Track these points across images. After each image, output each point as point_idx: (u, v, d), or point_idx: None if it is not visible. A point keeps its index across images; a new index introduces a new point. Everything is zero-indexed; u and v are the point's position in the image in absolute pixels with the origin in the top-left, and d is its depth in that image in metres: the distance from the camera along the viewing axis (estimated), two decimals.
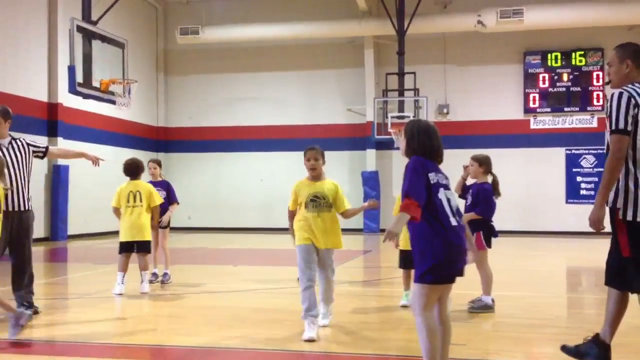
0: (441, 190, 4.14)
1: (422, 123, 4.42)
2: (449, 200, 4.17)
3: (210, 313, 7.30)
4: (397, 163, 22.24)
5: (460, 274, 4.18)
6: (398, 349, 5.71)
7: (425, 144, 4.26)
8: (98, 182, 17.83)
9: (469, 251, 4.33)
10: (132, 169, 8.62)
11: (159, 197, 8.77)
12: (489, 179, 7.29)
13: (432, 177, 4.13)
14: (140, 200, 8.41)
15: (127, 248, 8.45)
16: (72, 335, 6.25)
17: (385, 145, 21.53)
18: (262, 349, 5.62)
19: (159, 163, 9.91)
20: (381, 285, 9.89)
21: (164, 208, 9.25)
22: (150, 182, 9.28)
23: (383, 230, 21.27)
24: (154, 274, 9.39)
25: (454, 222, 4.12)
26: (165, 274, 9.41)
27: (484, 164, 7.29)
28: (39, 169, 18.05)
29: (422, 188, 4.05)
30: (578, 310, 8.14)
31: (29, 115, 17.57)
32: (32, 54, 17.97)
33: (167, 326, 6.65)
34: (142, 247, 8.49)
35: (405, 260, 7.21)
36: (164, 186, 9.63)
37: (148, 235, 8.53)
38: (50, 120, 18.50)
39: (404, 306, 7.45)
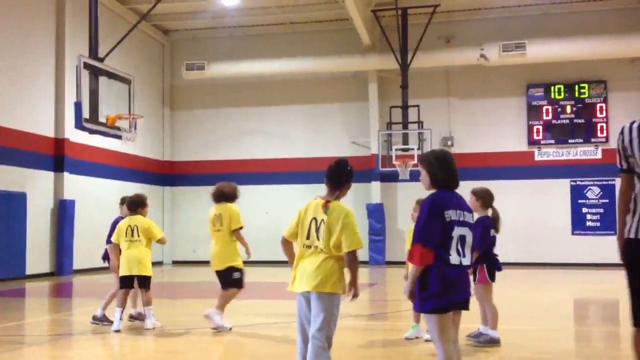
0: (456, 228, 4.19)
1: (437, 152, 4.52)
2: (461, 237, 4.21)
3: (214, 349, 7.26)
4: (402, 195, 22.27)
5: (461, 307, 4.25)
6: None
7: (444, 173, 4.34)
8: (104, 217, 17.86)
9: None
10: (132, 204, 8.64)
11: (159, 231, 8.68)
12: (489, 212, 7.24)
13: (449, 214, 4.19)
14: (138, 235, 8.36)
15: (127, 283, 8.38)
16: None
17: (390, 177, 21.57)
18: None
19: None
20: (387, 319, 9.82)
21: None
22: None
23: (388, 263, 21.26)
24: (137, 314, 9.01)
25: (455, 260, 4.17)
26: (140, 314, 8.94)
27: (481, 197, 7.25)
28: (45, 203, 18.13)
29: (435, 231, 4.13)
30: (585, 344, 8.07)
31: (35, 150, 17.71)
32: (39, 90, 18.18)
33: None
34: (143, 282, 8.41)
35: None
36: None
37: (148, 271, 8.41)
38: (57, 155, 18.62)
39: (408, 338, 7.41)
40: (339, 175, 4.84)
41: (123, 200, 9.14)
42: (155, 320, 8.48)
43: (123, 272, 8.36)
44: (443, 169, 4.36)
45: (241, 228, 8.37)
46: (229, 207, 8.44)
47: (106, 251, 8.99)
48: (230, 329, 8.20)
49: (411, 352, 7.01)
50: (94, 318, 8.69)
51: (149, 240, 8.48)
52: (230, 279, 8.36)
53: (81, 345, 7.72)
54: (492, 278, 7.16)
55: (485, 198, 7.23)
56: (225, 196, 8.55)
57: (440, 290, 4.12)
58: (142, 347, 7.66)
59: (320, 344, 4.55)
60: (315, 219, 4.73)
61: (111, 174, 20.91)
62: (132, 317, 8.96)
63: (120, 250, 8.50)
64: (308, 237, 4.73)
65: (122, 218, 8.88)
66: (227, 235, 8.31)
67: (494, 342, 7.04)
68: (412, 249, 4.18)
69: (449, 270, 4.14)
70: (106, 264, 9.20)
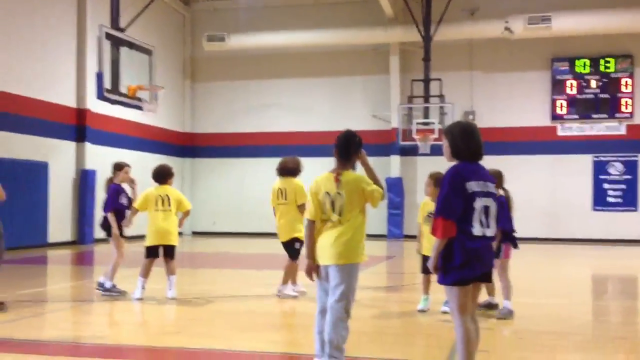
0: (478, 199, 4.17)
1: (462, 124, 4.49)
2: (484, 208, 4.20)
3: (234, 317, 7.35)
4: (422, 169, 22.15)
5: (483, 279, 4.26)
6: (421, 354, 5.70)
7: (466, 145, 4.32)
8: (125, 187, 18.03)
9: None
10: (161, 175, 8.65)
11: (188, 202, 8.74)
12: (501, 192, 7.19)
13: (471, 186, 4.17)
14: (169, 205, 8.42)
15: (153, 252, 8.45)
16: (97, 337, 6.33)
17: (410, 151, 21.48)
18: (285, 352, 5.65)
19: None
20: (404, 291, 9.85)
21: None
22: (121, 185, 9.00)
23: (407, 237, 21.26)
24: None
25: (478, 231, 4.15)
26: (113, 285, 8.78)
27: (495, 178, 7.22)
28: (67, 173, 18.33)
29: (457, 204, 4.13)
30: (604, 318, 8.04)
31: (58, 121, 17.86)
32: (60, 61, 18.27)
33: (191, 330, 6.70)
34: (169, 252, 8.49)
35: (426, 266, 7.21)
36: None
37: (175, 240, 8.53)
38: (79, 126, 18.77)
39: (422, 310, 7.46)
40: (347, 147, 4.86)
41: (119, 167, 9.02)
42: (174, 291, 8.46)
43: (151, 241, 8.40)
44: (465, 140, 4.33)
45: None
46: (294, 182, 8.59)
47: (105, 219, 8.80)
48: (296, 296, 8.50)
49: (425, 323, 7.05)
50: (104, 290, 8.58)
51: (176, 211, 8.52)
52: (292, 249, 8.51)
53: (102, 312, 7.85)
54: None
55: (498, 179, 7.20)
56: (289, 171, 8.69)
57: (463, 262, 4.12)
58: (164, 314, 7.77)
59: (339, 315, 4.60)
60: (328, 193, 4.74)
61: (132, 145, 21.04)
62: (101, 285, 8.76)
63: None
64: (324, 212, 4.76)
65: (118, 185, 8.85)
66: (292, 209, 8.47)
67: (511, 313, 7.09)
68: (434, 222, 4.17)
69: (472, 242, 4.13)
70: (102, 235, 8.99)
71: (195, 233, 23.80)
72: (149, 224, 8.46)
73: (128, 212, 8.74)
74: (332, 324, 4.59)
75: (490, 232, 4.24)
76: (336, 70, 23.44)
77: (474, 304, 4.36)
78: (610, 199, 21.28)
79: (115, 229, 8.65)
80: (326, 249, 4.70)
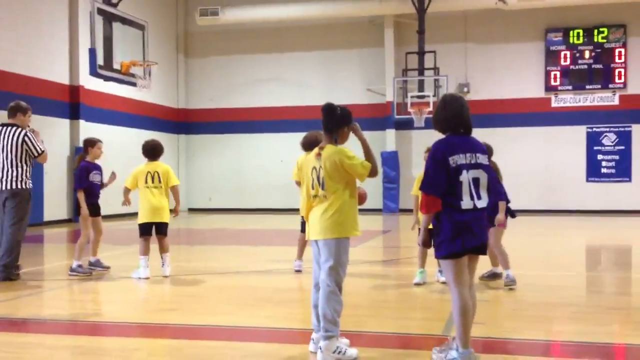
0: (464, 172, 4.21)
1: (445, 96, 4.55)
2: (473, 180, 4.24)
3: (231, 293, 7.40)
4: (417, 143, 22.18)
5: (476, 252, 4.32)
6: (417, 327, 5.77)
7: (450, 117, 4.37)
8: (119, 164, 18.00)
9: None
10: (150, 150, 8.47)
11: (176, 178, 8.58)
12: None
13: (455, 159, 4.21)
14: (160, 182, 8.27)
15: (146, 230, 8.34)
16: (94, 314, 6.38)
17: (405, 125, 21.46)
18: (282, 327, 5.71)
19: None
20: (400, 265, 9.93)
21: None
22: (94, 163, 8.87)
23: (402, 210, 21.33)
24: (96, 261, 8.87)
25: (467, 204, 4.20)
26: (99, 261, 8.88)
27: None
28: (62, 150, 18.27)
29: (441, 178, 4.20)
30: (598, 289, 8.13)
31: (51, 98, 17.76)
32: (53, 37, 18.10)
33: (188, 306, 6.74)
34: (161, 229, 8.38)
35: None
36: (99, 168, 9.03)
37: (167, 217, 8.40)
38: (72, 103, 18.67)
39: (418, 284, 7.54)
40: (327, 120, 4.87)
41: (91, 143, 8.81)
42: (169, 268, 8.36)
43: (143, 219, 8.28)
44: (449, 113, 4.37)
45: None
46: None
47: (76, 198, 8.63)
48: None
49: (421, 296, 7.12)
50: (70, 270, 8.43)
51: (167, 187, 8.39)
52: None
53: (98, 290, 7.90)
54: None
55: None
56: (314, 145, 8.62)
57: (452, 235, 4.19)
58: (160, 291, 7.80)
59: (329, 289, 4.63)
60: (314, 168, 4.77)
61: (126, 122, 20.96)
62: (91, 265, 8.75)
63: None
64: (313, 187, 4.77)
65: (90, 163, 8.71)
66: None
67: (514, 281, 7.26)
68: (421, 198, 4.24)
69: (460, 215, 4.19)
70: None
71: (191, 209, 23.84)
72: (140, 201, 8.32)
73: (101, 191, 8.70)
74: (325, 299, 4.61)
75: (481, 203, 4.27)
76: (331, 44, 23.31)
77: (471, 275, 4.42)
78: (604, 170, 21.37)
79: (83, 209, 8.52)
80: (314, 224, 4.75)
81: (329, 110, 4.89)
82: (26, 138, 8.14)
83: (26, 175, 8.29)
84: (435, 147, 4.30)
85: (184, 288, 7.87)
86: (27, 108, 8.41)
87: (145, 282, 8.08)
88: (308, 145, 8.44)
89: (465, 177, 4.21)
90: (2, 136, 8.14)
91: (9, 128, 8.18)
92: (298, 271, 8.60)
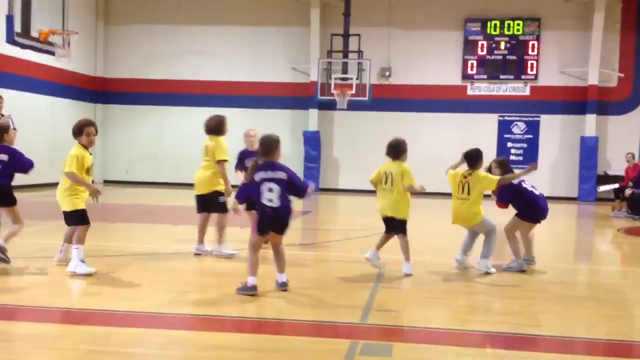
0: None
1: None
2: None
3: (154, 277, 7.45)
4: (339, 124, 22.63)
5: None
6: (334, 316, 6.06)
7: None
8: (34, 133, 17.54)
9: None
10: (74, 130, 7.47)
11: (70, 164, 7.31)
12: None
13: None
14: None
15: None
16: (14, 299, 6.36)
17: (328, 106, 21.79)
18: (207, 315, 5.86)
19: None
20: (317, 249, 10.20)
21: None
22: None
23: (322, 190, 21.74)
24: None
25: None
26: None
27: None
28: None
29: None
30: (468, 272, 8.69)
31: None
32: None
33: (113, 291, 6.71)
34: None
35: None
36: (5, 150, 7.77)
37: (66, 206, 7.48)
38: None
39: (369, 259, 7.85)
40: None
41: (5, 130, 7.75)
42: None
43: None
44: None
45: None
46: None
47: None
48: None
49: (339, 284, 7.44)
50: None
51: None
52: None
53: (14, 273, 7.77)
54: None
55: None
56: (219, 130, 8.73)
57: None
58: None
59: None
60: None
61: (43, 90, 20.31)
62: None
63: None
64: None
65: None
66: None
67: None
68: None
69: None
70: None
71: (107, 181, 23.46)
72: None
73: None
74: None
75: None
76: (257, 20, 23.29)
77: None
78: (512, 157, 22.46)
79: None
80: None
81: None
82: None
83: None
84: None
85: (107, 270, 7.70)
86: None
87: (62, 265, 7.69)
88: (211, 130, 8.61)
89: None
90: None
91: None
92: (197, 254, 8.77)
